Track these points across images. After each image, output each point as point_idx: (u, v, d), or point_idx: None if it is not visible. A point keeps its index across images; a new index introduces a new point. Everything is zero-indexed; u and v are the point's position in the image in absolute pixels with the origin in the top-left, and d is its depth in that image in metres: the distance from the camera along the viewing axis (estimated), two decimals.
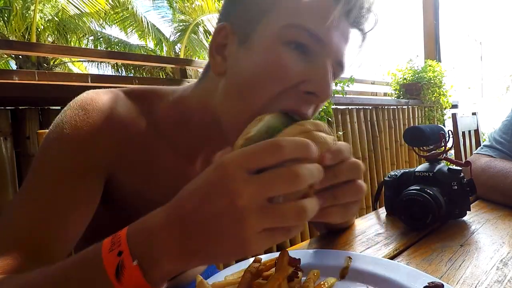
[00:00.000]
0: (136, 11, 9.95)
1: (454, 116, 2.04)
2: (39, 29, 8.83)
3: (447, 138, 0.86)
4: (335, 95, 2.32)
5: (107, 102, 0.56)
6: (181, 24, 10.51)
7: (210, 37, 0.61)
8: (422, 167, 0.82)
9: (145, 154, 0.58)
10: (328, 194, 0.41)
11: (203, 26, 10.12)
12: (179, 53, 10.85)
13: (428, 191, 0.73)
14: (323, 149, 0.39)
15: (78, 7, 9.19)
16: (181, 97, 0.61)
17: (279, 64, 0.48)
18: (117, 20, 10.32)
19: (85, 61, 10.31)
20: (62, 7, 9.08)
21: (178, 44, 10.94)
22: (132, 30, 10.47)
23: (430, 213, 0.72)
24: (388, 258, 0.61)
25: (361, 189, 0.42)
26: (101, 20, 10.26)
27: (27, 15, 8.44)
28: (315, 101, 0.51)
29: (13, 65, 9.33)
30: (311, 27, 0.47)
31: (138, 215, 0.57)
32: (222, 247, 0.34)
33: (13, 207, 0.50)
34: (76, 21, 9.38)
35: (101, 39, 10.58)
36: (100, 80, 1.90)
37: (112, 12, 10.10)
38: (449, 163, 0.88)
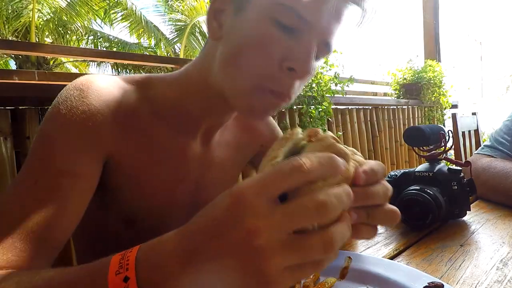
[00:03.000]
0: (135, 9, 9.93)
1: (454, 116, 2.04)
2: (37, 28, 8.80)
3: (447, 138, 0.86)
4: (335, 95, 2.32)
5: (104, 84, 0.56)
6: (179, 24, 10.50)
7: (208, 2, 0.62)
8: (422, 167, 0.82)
9: (144, 136, 0.58)
10: (362, 211, 0.35)
11: (199, 27, 10.11)
12: (179, 53, 10.85)
13: (428, 191, 0.73)
14: (350, 163, 0.34)
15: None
16: (181, 73, 0.62)
17: (264, 39, 0.49)
18: (116, 20, 10.30)
19: (84, 61, 10.29)
20: (58, 5, 8.98)
21: (178, 44, 10.93)
22: (131, 30, 10.45)
23: (430, 213, 0.72)
24: (388, 258, 0.61)
25: (398, 215, 0.36)
26: (99, 19, 10.23)
27: (22, 14, 8.39)
28: (296, 78, 0.52)
29: (12, 64, 9.32)
30: (299, 9, 0.48)
31: (137, 200, 0.60)
32: (241, 285, 0.30)
33: (12, 192, 0.48)
34: (73, 18, 9.29)
35: (101, 38, 10.57)
36: None
37: (112, 11, 10.07)
38: (449, 163, 0.88)
